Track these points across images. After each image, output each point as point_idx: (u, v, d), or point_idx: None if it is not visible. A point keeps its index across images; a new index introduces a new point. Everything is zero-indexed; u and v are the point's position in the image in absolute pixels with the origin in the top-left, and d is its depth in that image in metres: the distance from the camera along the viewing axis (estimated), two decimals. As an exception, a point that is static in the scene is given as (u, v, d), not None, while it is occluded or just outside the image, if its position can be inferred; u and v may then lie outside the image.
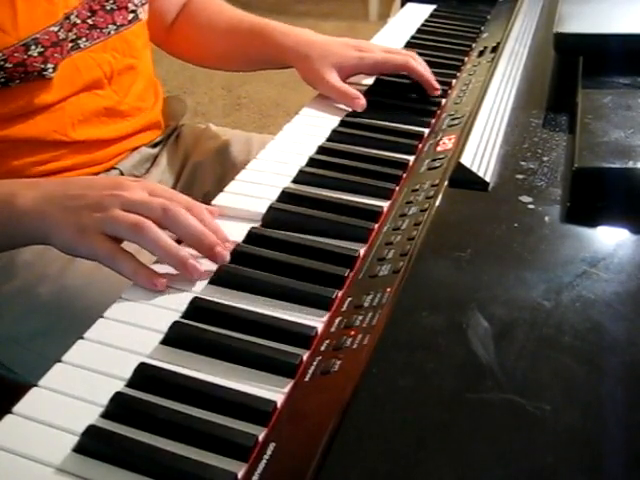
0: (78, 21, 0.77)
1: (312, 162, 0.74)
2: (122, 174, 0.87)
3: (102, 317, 0.53)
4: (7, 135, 0.76)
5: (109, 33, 0.81)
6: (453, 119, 0.79)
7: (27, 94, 0.75)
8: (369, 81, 0.92)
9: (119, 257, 0.57)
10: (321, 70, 0.85)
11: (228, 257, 0.58)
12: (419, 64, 0.88)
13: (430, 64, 0.96)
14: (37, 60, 0.72)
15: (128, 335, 0.51)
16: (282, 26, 0.90)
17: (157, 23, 0.93)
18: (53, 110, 0.78)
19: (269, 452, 0.41)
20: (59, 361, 0.48)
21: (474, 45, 1.04)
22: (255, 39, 0.90)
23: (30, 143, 0.77)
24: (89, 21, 0.79)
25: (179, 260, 0.56)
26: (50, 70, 0.74)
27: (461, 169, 0.65)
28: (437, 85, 0.88)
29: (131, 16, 0.83)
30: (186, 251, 0.57)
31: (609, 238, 0.57)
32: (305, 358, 0.48)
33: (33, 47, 0.72)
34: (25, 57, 0.71)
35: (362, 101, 0.84)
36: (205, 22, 0.95)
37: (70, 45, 0.77)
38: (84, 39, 0.79)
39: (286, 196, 0.67)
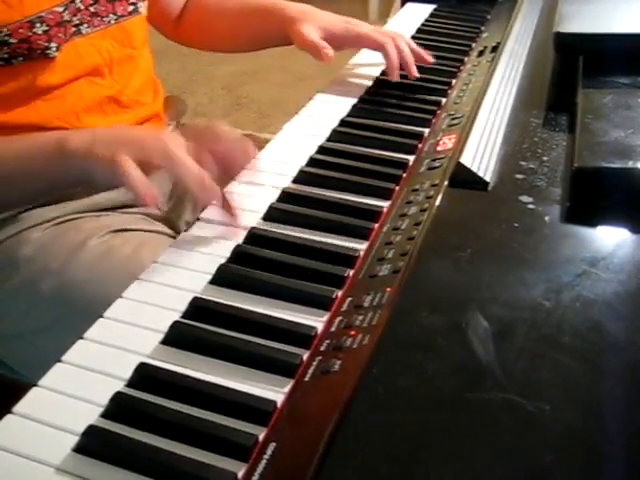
0: (82, 7, 0.79)
1: (312, 162, 0.74)
2: None
3: (102, 317, 0.53)
4: (8, 121, 0.76)
5: (109, 22, 0.83)
6: (453, 119, 0.79)
7: (30, 73, 0.76)
8: (369, 82, 0.92)
9: (127, 167, 0.60)
10: (302, 28, 0.89)
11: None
12: (396, 49, 0.89)
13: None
14: (41, 38, 0.74)
15: (128, 335, 0.51)
16: (288, 2, 0.95)
17: (166, 16, 0.99)
18: (54, 96, 0.78)
19: (269, 452, 0.41)
20: (59, 361, 0.48)
21: (474, 45, 1.04)
22: (260, 16, 0.96)
23: (32, 129, 0.77)
24: (91, 8, 0.80)
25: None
26: (53, 49, 0.75)
27: (461, 169, 0.65)
28: (396, 76, 0.89)
29: (131, 8, 0.86)
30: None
31: (609, 238, 0.57)
32: (305, 358, 0.48)
33: (38, 25, 0.73)
34: (30, 34, 0.73)
35: (329, 51, 0.87)
36: (214, 9, 1.01)
37: (73, 30, 0.79)
38: (85, 25, 0.80)
39: (286, 196, 0.67)
